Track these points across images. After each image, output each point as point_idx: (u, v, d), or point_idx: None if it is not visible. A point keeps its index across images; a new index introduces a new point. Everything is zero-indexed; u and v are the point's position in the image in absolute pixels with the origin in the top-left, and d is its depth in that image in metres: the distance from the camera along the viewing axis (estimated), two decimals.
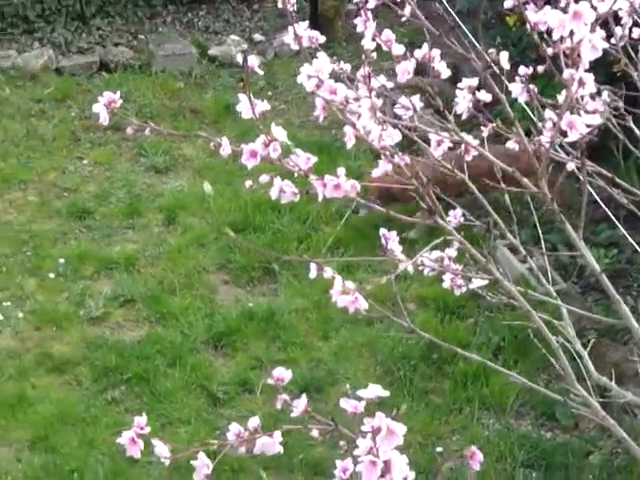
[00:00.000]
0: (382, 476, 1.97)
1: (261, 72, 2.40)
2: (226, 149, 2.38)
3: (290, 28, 2.38)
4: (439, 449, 5.37)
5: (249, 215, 6.76)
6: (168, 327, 6.13)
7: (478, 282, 2.97)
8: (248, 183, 2.61)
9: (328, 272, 2.61)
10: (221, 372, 5.93)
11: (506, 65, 2.49)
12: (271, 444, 2.18)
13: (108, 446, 5.49)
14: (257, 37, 8.65)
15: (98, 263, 6.49)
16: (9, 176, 6.96)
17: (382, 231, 2.71)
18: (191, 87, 7.84)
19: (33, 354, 5.95)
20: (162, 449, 2.16)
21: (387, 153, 2.33)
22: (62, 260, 6.48)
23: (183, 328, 6.11)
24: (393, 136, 2.37)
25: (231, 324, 6.14)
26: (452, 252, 3.03)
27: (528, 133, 2.66)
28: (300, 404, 2.22)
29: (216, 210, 6.85)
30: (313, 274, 2.65)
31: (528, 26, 2.21)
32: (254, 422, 2.21)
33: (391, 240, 2.66)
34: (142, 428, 2.10)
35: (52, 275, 6.40)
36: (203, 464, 2.09)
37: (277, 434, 2.17)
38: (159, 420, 5.65)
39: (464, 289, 3.10)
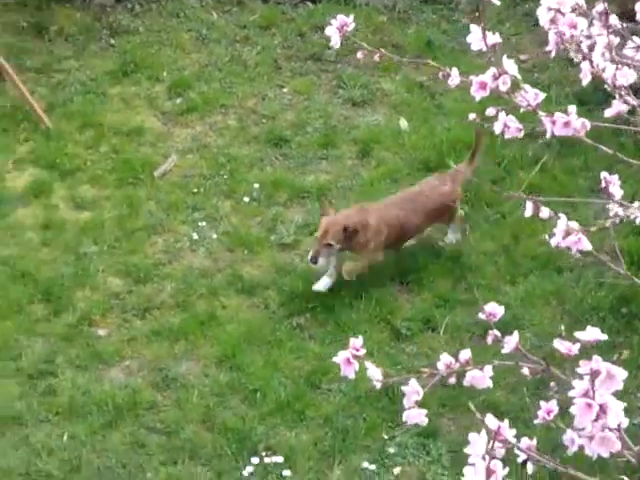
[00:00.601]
0: (596, 420, 1.93)
1: (498, 2, 2.36)
2: (455, 79, 2.35)
3: None
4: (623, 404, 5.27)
5: (443, 154, 6.71)
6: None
7: None
8: (472, 116, 2.56)
9: (545, 212, 2.56)
10: (405, 308, 5.96)
11: None
12: (481, 378, 2.17)
13: (291, 369, 5.62)
14: None
15: (291, 191, 6.58)
16: (211, 100, 7.10)
17: (603, 174, 2.64)
18: (394, 22, 7.79)
19: (224, 275, 6.11)
20: (375, 372, 2.17)
21: (622, 93, 2.26)
22: (257, 185, 6.60)
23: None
24: (628, 76, 2.30)
25: (418, 261, 6.15)
26: None
27: None
28: (511, 341, 2.20)
29: (410, 146, 6.82)
30: (529, 213, 2.60)
31: None
32: (466, 354, 2.21)
33: (612, 184, 2.59)
34: (357, 350, 2.12)
35: (246, 199, 6.53)
36: (414, 390, 2.10)
37: (488, 368, 2.17)
38: (341, 350, 5.71)
39: None
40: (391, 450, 5.30)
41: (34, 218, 6.36)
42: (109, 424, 5.33)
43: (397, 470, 5.22)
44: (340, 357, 2.17)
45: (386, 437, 5.35)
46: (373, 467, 5.23)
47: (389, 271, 6.11)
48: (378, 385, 2.21)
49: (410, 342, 5.78)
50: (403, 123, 6.99)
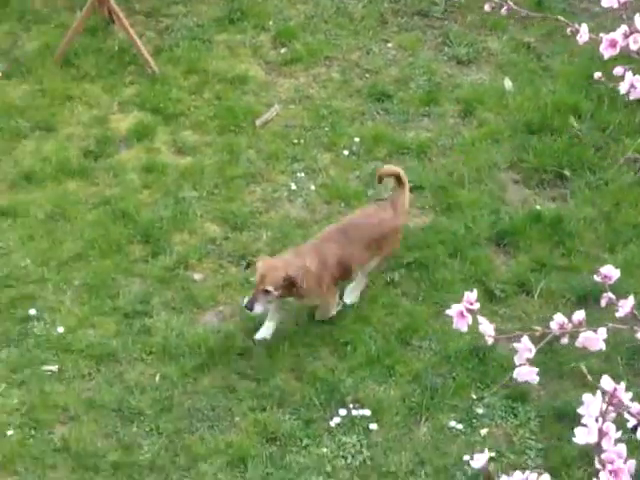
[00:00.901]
0: None
1: None
2: (584, 36, 2.30)
3: None
4: None
5: (547, 117, 6.61)
6: (453, 218, 6.16)
7: None
8: (597, 74, 2.51)
9: None
10: (500, 270, 5.92)
11: None
12: (595, 340, 2.15)
13: (382, 325, 5.63)
14: None
15: (391, 146, 6.55)
16: (316, 51, 7.08)
17: None
18: None
19: (320, 226, 6.11)
20: (488, 327, 2.16)
21: None
22: (357, 139, 6.58)
23: (467, 221, 6.12)
24: None
25: (516, 224, 6.09)
26: None
27: None
28: (626, 305, 2.17)
29: (514, 108, 6.74)
30: None
31: None
32: (579, 315, 2.18)
33: None
34: (472, 303, 2.11)
35: (346, 152, 6.52)
36: (526, 347, 2.08)
37: (602, 330, 2.14)
38: (433, 308, 5.73)
39: None
40: (479, 411, 5.30)
41: (137, 160, 6.44)
42: (201, 367, 5.40)
43: (484, 431, 5.22)
44: (453, 310, 2.16)
45: (475, 397, 5.35)
46: (460, 426, 5.23)
47: (486, 232, 6.07)
48: (490, 341, 2.20)
49: (503, 304, 5.75)
50: (508, 83, 6.89)
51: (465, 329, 2.31)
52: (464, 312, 2.16)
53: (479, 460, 1.93)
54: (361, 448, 5.15)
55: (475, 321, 5.61)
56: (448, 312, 2.27)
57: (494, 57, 7.11)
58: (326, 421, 5.24)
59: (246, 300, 5.36)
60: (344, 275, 5.60)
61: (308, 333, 5.59)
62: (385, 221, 5.66)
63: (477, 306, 2.22)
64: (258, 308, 5.32)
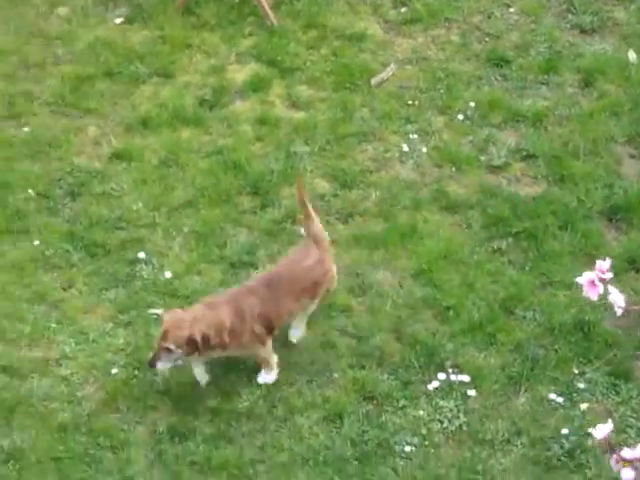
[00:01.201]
0: None
1: None
2: None
3: None
4: None
5: None
6: (565, 189, 6.06)
7: None
8: None
9: None
10: (611, 245, 5.82)
11: None
12: None
13: (486, 292, 5.59)
14: None
15: (506, 113, 6.46)
16: (436, 12, 7.00)
17: None
18: None
19: (429, 190, 6.09)
20: (619, 298, 2.11)
21: None
22: (472, 104, 6.50)
23: (580, 193, 6.03)
24: None
25: (631, 199, 5.98)
26: None
27: None
28: None
29: (637, 81, 6.58)
30: None
31: None
32: None
33: None
34: (603, 272, 2.06)
35: (460, 117, 6.45)
36: None
37: None
38: (539, 279, 5.67)
39: None
40: (580, 385, 5.23)
41: (251, 112, 6.46)
42: None
43: (584, 406, 5.15)
44: (584, 278, 2.11)
45: (576, 372, 5.29)
46: (560, 400, 5.18)
47: (599, 206, 5.96)
48: (619, 312, 2.14)
49: (612, 280, 5.63)
50: (632, 55, 6.73)
51: (595, 298, 2.26)
52: (596, 281, 2.11)
53: (602, 430, 1.90)
54: (458, 413, 5.13)
55: (580, 299, 5.49)
56: (578, 280, 2.22)
57: (619, 27, 6.95)
58: (424, 384, 5.23)
59: (150, 356, 5.01)
60: (269, 328, 5.19)
61: (411, 295, 5.57)
62: (314, 266, 5.25)
63: (610, 276, 2.17)
64: (161, 365, 4.98)
